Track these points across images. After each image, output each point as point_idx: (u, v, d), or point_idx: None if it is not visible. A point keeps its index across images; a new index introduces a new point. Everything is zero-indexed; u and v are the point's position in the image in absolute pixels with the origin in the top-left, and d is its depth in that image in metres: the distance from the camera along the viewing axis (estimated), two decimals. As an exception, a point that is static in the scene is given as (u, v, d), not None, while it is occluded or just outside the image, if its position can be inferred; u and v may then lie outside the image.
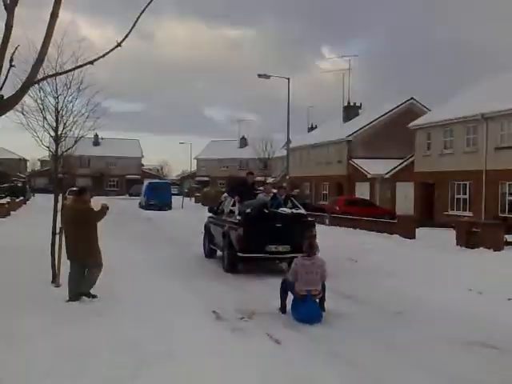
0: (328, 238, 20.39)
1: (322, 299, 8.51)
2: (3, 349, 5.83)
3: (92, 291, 8.74)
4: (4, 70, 2.52)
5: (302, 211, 13.04)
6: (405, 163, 34.84)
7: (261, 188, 14.05)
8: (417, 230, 21.38)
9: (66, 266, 9.93)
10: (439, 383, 5.62)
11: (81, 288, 8.61)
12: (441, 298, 9.83)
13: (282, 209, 12.54)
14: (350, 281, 11.66)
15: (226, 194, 15.13)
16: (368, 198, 37.12)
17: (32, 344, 6.01)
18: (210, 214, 15.53)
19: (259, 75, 25.72)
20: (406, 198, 33.53)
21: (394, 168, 35.52)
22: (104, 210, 8.86)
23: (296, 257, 8.82)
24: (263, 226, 11.96)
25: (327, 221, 27.54)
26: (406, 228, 21.22)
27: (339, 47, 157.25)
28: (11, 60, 2.62)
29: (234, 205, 13.17)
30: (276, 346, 6.76)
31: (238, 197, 12.95)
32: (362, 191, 38.86)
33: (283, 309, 8.54)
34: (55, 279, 9.81)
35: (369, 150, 39.99)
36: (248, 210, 12.32)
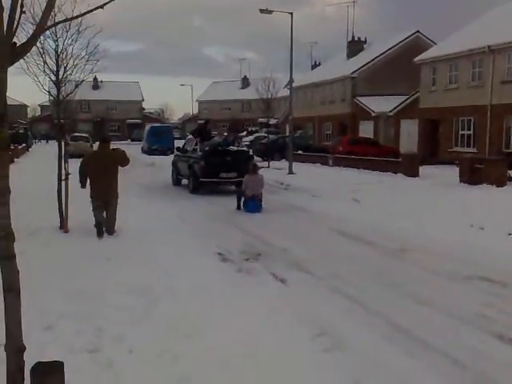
0: (331, 178, 20.63)
1: (261, 200, 13.58)
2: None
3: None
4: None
5: (244, 149, 18.20)
6: (409, 100, 34.42)
7: (215, 132, 19.51)
8: (420, 168, 21.48)
9: (73, 212, 10.18)
10: (438, 316, 5.88)
11: (107, 226, 9.81)
12: (443, 234, 10.07)
13: (230, 147, 17.06)
14: (354, 222, 11.88)
15: (190, 137, 19.23)
16: (372, 136, 36.94)
17: (44, 289, 6.25)
18: (177, 153, 19.56)
19: (261, 10, 24.92)
20: (410, 136, 33.39)
21: (399, 105, 35.13)
22: (126, 155, 10.24)
23: (241, 180, 14.36)
24: (217, 159, 16.33)
25: (330, 161, 27.58)
26: (409, 166, 21.31)
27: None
28: (22, 6, 2.64)
29: (196, 144, 17.48)
30: (281, 286, 7.02)
31: (199, 138, 17.47)
32: (366, 130, 38.63)
33: (238, 207, 13.61)
34: (63, 225, 10.05)
35: (373, 87, 39.38)
36: (207, 148, 16.73)
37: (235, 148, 17.22)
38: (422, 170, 21.46)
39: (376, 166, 23.62)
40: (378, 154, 26.53)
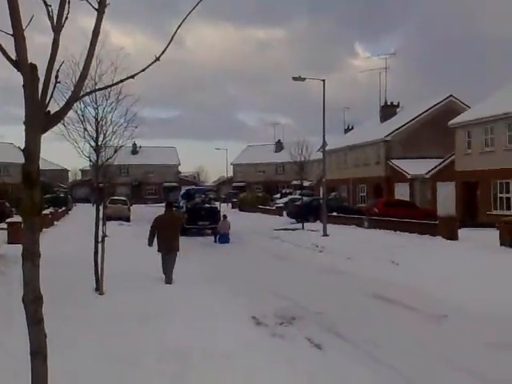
0: (366, 240, 20.25)
1: (228, 235, 21.92)
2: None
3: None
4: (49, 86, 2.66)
5: (215, 206, 27.41)
6: (445, 162, 34.16)
7: (196, 196, 28.01)
8: (459, 230, 20.94)
9: (109, 273, 10.19)
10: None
11: (168, 273, 11.69)
12: (485, 299, 9.60)
13: (205, 205, 26.35)
14: (392, 285, 11.52)
15: (180, 199, 28.59)
16: (408, 199, 36.53)
17: (77, 352, 6.13)
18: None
19: (294, 78, 25.51)
20: (447, 199, 32.86)
21: (435, 168, 34.86)
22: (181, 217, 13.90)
23: (212, 227, 23.91)
24: (196, 212, 25.21)
25: (366, 223, 27.22)
26: (448, 229, 20.79)
27: (373, 44, 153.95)
28: (57, 76, 2.73)
29: (183, 203, 26.60)
30: (317, 351, 6.75)
31: (185, 200, 27.02)
32: (402, 192, 38.27)
33: (215, 240, 21.85)
34: (99, 287, 10.03)
35: (408, 150, 39.36)
36: (189, 206, 25.84)
37: (208, 205, 26.69)
38: (461, 232, 20.89)
39: (413, 228, 23.16)
40: (414, 216, 26.05)
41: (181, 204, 27.18)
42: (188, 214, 24.61)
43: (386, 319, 8.57)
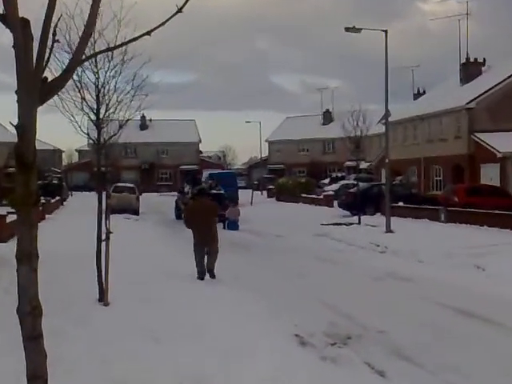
0: (443, 238, 20.06)
1: (237, 222, 28.05)
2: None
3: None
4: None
5: (221, 191, 30.72)
6: (548, 137, 33.37)
7: (203, 180, 33.23)
8: None
9: (114, 279, 10.39)
10: None
11: (208, 266, 13.33)
12: None
13: (212, 190, 28.63)
14: (477, 296, 11.46)
15: (185, 184, 34.41)
16: (498, 184, 35.92)
17: (79, 376, 6.32)
18: (178, 195, 35.65)
19: (347, 29, 25.10)
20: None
21: (533, 143, 34.13)
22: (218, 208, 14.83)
23: (221, 213, 21.85)
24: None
25: (442, 216, 26.93)
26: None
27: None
28: (54, 34, 2.75)
29: (189, 189, 31.06)
30: (381, 381, 6.79)
31: (190, 186, 31.83)
32: (490, 176, 37.64)
33: (224, 227, 26.16)
34: (103, 296, 10.21)
35: (498, 121, 38.56)
36: (195, 191, 26.67)
37: (214, 191, 29.64)
38: None
39: (505, 222, 22.80)
40: (506, 207, 25.62)
41: (185, 190, 32.44)
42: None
43: (470, 340, 8.52)
